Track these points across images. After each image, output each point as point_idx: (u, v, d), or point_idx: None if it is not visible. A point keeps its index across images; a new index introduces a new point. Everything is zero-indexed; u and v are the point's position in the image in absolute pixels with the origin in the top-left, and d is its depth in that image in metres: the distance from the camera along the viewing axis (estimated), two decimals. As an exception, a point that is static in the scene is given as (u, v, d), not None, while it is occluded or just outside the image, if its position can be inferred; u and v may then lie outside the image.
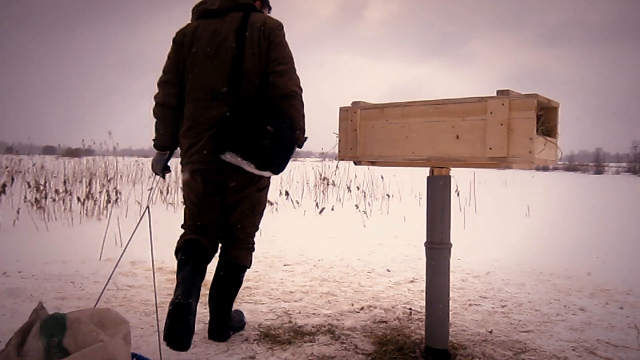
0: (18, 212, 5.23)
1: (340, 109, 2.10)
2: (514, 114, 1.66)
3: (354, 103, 2.10)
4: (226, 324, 2.12)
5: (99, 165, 9.66)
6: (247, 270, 2.20)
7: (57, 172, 9.12)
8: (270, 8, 2.31)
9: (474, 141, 1.74)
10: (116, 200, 6.37)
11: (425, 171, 1.99)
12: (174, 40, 2.12)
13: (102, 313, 1.50)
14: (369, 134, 2.01)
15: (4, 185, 5.59)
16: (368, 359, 1.96)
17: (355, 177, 9.16)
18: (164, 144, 2.17)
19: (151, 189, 2.30)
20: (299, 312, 2.53)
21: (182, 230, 2.15)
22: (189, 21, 2.17)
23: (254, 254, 2.22)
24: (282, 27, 2.07)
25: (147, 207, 2.06)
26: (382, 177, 8.95)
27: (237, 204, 2.09)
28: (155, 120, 2.16)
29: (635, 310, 2.69)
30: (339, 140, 2.10)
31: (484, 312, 2.62)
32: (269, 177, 2.14)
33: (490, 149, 1.69)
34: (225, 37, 2.01)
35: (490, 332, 2.31)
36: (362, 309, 2.63)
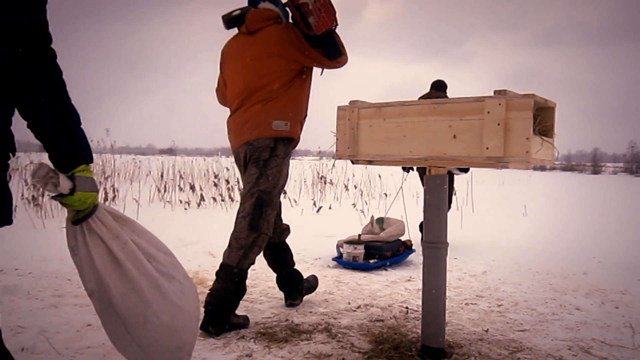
0: (15, 209, 5.21)
1: (338, 107, 2.10)
2: (511, 113, 1.66)
3: (352, 102, 2.10)
4: None
5: (96, 163, 9.64)
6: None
7: (54, 169, 9.08)
8: None
9: (471, 141, 1.74)
10: (114, 198, 6.37)
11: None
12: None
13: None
14: (367, 133, 2.01)
15: (1, 183, 5.59)
16: (364, 357, 1.97)
17: (353, 176, 9.17)
18: None
19: (404, 176, 3.53)
20: (296, 311, 2.54)
21: None
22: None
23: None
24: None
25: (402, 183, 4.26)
26: (379, 176, 8.97)
27: None
28: None
29: (630, 310, 2.71)
30: (337, 139, 2.10)
31: (480, 311, 2.63)
32: None
33: (487, 148, 1.69)
34: None
35: (487, 331, 2.32)
36: (358, 307, 2.64)
